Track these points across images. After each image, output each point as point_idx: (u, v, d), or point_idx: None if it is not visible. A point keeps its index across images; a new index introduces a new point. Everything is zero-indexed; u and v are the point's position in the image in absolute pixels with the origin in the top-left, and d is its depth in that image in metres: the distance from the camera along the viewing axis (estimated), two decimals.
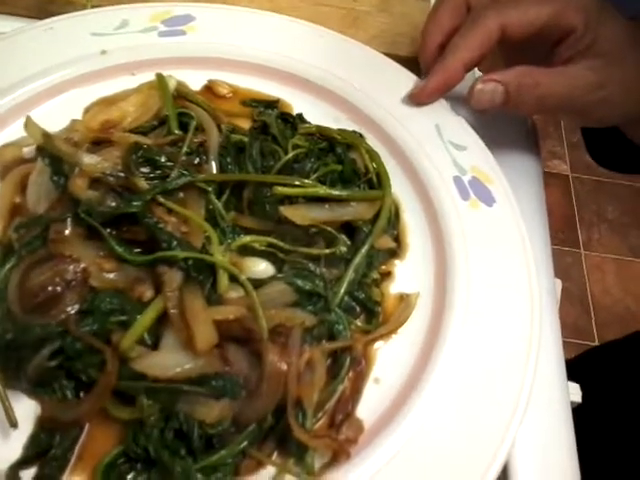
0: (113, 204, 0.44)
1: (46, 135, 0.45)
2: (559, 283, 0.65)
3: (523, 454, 0.48)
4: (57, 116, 0.52)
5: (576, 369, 0.59)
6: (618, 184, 2.30)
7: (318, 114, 0.58)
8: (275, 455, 0.41)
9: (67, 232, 0.42)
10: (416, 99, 0.58)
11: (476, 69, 0.78)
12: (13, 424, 0.38)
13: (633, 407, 0.71)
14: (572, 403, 0.54)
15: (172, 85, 0.56)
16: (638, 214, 2.19)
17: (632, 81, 0.53)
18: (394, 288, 0.50)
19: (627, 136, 0.61)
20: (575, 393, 0.56)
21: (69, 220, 0.42)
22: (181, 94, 0.56)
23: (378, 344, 0.47)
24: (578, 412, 0.55)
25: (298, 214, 0.47)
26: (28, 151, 0.50)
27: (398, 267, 0.51)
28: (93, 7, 0.63)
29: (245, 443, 0.39)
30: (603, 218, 2.21)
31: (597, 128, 0.64)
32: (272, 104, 0.58)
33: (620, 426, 0.71)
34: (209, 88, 0.59)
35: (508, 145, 0.65)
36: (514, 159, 0.64)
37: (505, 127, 0.66)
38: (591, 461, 0.52)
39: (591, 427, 0.67)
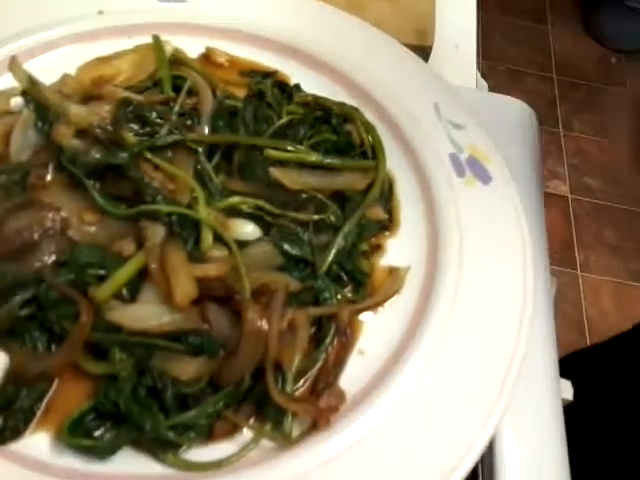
0: (98, 155, 0.43)
1: (32, 80, 0.44)
2: (554, 281, 0.64)
3: (512, 450, 0.46)
4: (50, 72, 0.50)
5: (567, 367, 0.57)
6: (617, 208, 2.30)
7: (316, 88, 0.57)
8: (252, 419, 0.39)
9: (48, 179, 0.40)
10: None
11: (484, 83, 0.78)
12: None
13: (625, 406, 0.69)
14: (563, 400, 0.53)
15: (168, 50, 0.55)
16: (636, 238, 2.18)
17: None
18: (384, 262, 0.49)
19: None
20: (566, 390, 0.55)
21: (51, 167, 0.41)
22: (177, 60, 0.55)
23: (365, 316, 0.46)
24: (570, 410, 0.53)
25: (288, 177, 0.46)
26: (15, 103, 0.48)
27: (389, 241, 0.50)
28: None
29: (220, 404, 0.38)
30: (601, 240, 2.20)
31: None
32: (270, 75, 0.57)
33: (611, 424, 0.69)
34: (207, 56, 0.58)
35: (506, 131, 0.64)
36: (512, 145, 0.63)
37: (505, 114, 0.66)
38: (582, 460, 0.50)
39: (583, 425, 0.65)
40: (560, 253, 2.12)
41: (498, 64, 2.48)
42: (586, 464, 0.55)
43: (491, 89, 0.80)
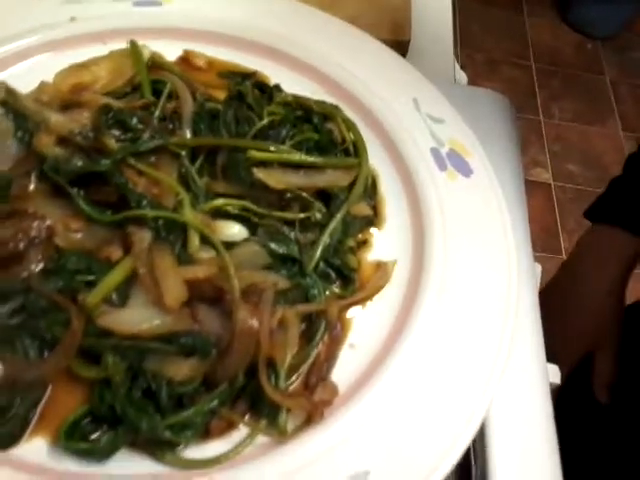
0: (80, 163, 0.43)
1: (9, 89, 0.44)
2: (538, 267, 0.65)
3: (501, 436, 0.47)
4: (25, 81, 0.50)
5: None
6: (599, 193, 2.32)
7: (295, 87, 0.58)
8: (247, 416, 0.39)
9: (31, 188, 0.40)
10: None
11: (463, 74, 0.80)
12: None
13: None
14: (551, 385, 0.54)
15: (146, 55, 0.55)
16: None
17: None
18: (371, 256, 0.49)
19: None
20: (554, 374, 0.56)
21: (34, 176, 0.41)
22: (155, 64, 0.55)
23: (354, 311, 0.46)
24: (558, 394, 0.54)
25: (272, 177, 0.46)
26: None
27: (375, 237, 0.51)
28: None
29: (215, 402, 0.38)
30: (585, 226, 2.22)
31: None
32: (249, 76, 0.57)
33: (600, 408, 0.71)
34: (185, 59, 0.58)
35: (485, 123, 0.65)
36: (491, 137, 0.64)
37: (483, 104, 0.67)
38: (570, 444, 0.51)
39: (571, 409, 0.66)
40: (545, 239, 2.15)
41: (476, 54, 2.49)
42: (575, 448, 0.56)
43: (470, 79, 0.81)
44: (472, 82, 0.83)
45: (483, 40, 2.53)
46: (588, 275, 0.75)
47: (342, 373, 0.43)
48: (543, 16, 2.68)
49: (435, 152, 0.54)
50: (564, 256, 2.09)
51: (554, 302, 0.75)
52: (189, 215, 0.43)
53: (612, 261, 0.73)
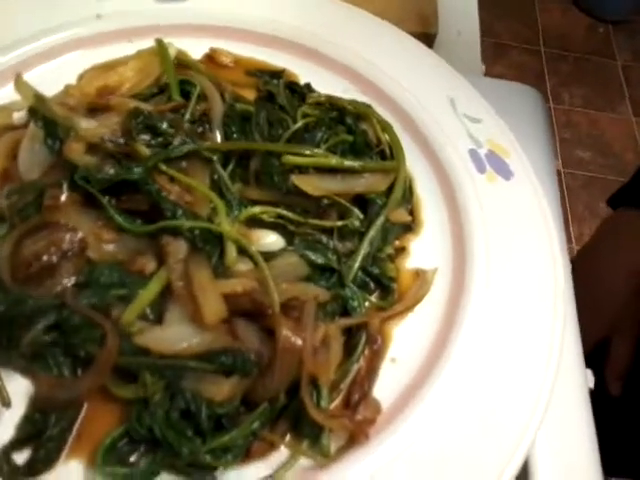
0: (112, 171, 0.41)
1: (38, 96, 0.42)
2: (569, 269, 0.63)
3: (545, 443, 0.45)
4: (50, 81, 0.49)
5: None
6: (609, 179, 2.30)
7: (325, 85, 0.56)
8: (288, 437, 0.38)
9: (63, 198, 0.39)
10: None
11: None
12: (6, 403, 0.35)
13: None
14: None
15: (172, 53, 0.53)
16: None
17: None
18: (409, 264, 0.48)
19: None
20: (588, 379, 0.54)
21: (65, 186, 0.39)
22: (181, 62, 0.53)
23: (394, 322, 0.44)
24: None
25: (310, 184, 0.44)
26: (18, 117, 0.46)
27: (413, 243, 0.49)
28: None
29: (257, 423, 0.37)
30: (595, 213, 2.20)
31: None
32: (278, 74, 0.55)
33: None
34: (211, 57, 0.56)
35: (519, 119, 0.62)
36: (526, 133, 0.61)
37: (513, 98, 0.65)
38: (609, 446, 0.50)
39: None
40: None
41: (484, 38, 2.45)
42: (615, 450, 0.54)
43: None
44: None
45: (492, 24, 2.47)
46: (609, 258, 0.72)
47: (384, 389, 0.41)
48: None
49: (473, 153, 0.52)
50: (574, 244, 2.07)
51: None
52: (226, 225, 0.41)
53: (634, 244, 0.70)
